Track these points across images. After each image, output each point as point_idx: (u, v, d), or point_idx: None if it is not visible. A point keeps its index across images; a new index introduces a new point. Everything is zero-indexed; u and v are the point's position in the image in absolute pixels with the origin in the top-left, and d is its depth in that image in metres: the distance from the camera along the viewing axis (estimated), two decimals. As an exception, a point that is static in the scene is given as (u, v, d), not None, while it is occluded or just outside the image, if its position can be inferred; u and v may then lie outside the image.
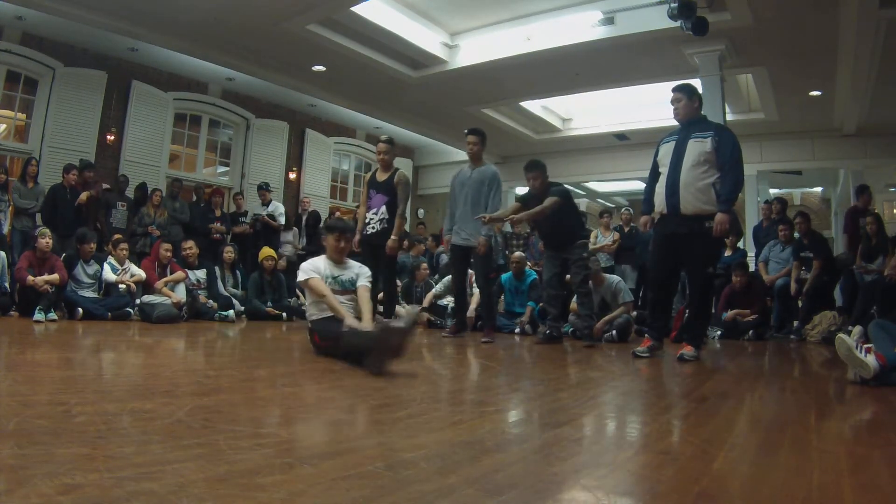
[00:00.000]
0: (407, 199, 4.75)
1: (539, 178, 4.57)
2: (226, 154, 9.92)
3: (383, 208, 4.61)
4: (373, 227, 4.68)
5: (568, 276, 4.73)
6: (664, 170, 3.66)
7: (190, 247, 6.14)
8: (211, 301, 5.94)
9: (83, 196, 6.42)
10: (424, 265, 7.26)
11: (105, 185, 7.15)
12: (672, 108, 3.75)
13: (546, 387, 2.69)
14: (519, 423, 1.88)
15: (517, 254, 6.30)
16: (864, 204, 6.44)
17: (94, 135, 7.81)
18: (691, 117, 3.67)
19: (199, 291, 5.99)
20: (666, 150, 3.69)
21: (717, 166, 3.49)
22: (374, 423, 1.71)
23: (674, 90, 3.75)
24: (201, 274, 6.12)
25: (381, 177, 4.70)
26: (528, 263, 6.42)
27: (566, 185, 4.83)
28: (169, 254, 5.80)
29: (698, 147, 3.51)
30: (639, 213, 4.28)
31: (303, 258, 7.64)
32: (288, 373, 2.70)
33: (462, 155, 4.84)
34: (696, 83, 7.08)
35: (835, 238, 9.69)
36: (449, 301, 6.14)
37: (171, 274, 5.73)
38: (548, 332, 4.65)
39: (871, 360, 2.60)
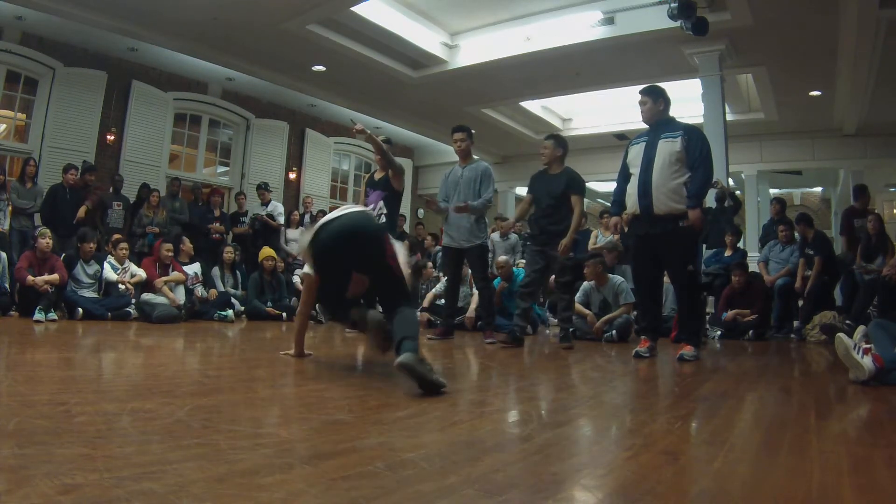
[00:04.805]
0: (402, 172, 4.61)
1: (551, 149, 4.31)
2: (226, 154, 9.92)
3: (381, 203, 4.61)
4: None
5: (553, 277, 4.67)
6: (635, 171, 3.68)
7: (183, 243, 6.23)
8: (207, 291, 6.05)
9: (81, 212, 6.39)
10: (430, 265, 7.30)
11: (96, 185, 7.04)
12: (640, 110, 3.77)
13: (546, 387, 2.69)
14: (519, 423, 1.88)
15: (501, 258, 6.29)
16: (863, 205, 6.41)
17: (94, 135, 7.81)
18: (658, 118, 3.69)
19: (195, 286, 6.07)
20: (636, 152, 3.71)
21: (687, 165, 3.52)
22: (374, 423, 1.71)
23: (640, 93, 3.77)
24: (197, 268, 6.24)
25: (379, 175, 4.70)
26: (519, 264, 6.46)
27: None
28: (170, 253, 5.83)
29: (668, 147, 3.54)
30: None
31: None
32: (288, 373, 2.69)
33: (462, 155, 4.79)
34: (696, 83, 7.16)
35: (835, 238, 9.67)
36: None
37: (172, 273, 5.75)
38: (513, 329, 4.24)
39: (867, 361, 2.60)
